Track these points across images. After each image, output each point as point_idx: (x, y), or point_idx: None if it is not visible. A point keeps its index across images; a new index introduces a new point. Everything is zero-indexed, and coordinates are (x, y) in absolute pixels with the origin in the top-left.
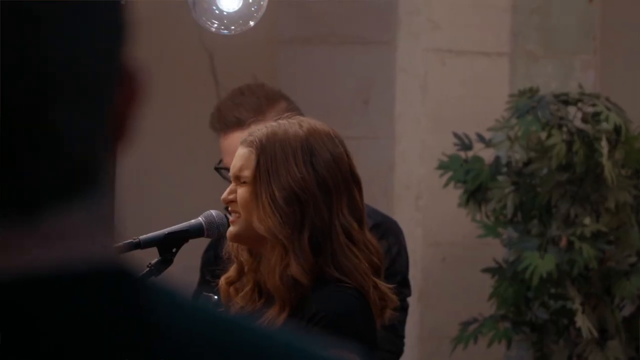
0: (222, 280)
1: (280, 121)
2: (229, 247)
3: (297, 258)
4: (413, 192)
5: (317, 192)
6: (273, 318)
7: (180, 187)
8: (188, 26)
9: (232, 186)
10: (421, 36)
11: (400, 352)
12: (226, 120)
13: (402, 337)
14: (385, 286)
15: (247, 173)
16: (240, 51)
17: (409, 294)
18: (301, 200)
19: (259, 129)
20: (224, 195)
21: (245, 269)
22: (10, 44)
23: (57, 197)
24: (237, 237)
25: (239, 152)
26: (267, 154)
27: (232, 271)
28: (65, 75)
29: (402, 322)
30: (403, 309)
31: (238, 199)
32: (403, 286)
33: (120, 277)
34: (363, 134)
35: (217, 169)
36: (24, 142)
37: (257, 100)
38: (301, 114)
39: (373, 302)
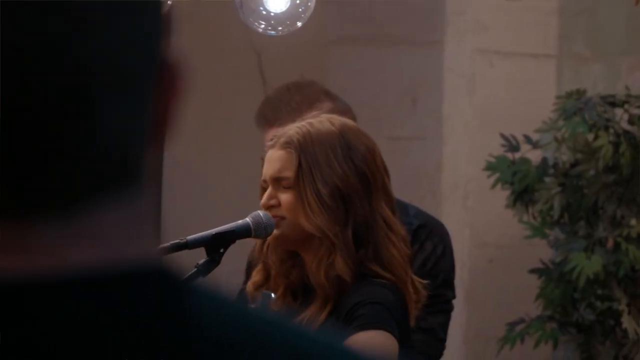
0: (250, 286)
1: (311, 120)
2: (256, 251)
3: (343, 254)
4: (460, 193)
5: (359, 186)
6: (314, 315)
7: (228, 187)
8: (236, 26)
9: (270, 191)
10: (468, 37)
11: (438, 355)
12: (266, 116)
13: (442, 340)
14: (417, 280)
15: (288, 174)
16: (289, 51)
17: (453, 297)
18: (344, 196)
19: (290, 130)
20: (264, 200)
21: (273, 272)
22: (53, 40)
23: (95, 195)
24: (283, 240)
25: (274, 155)
26: (307, 153)
27: (257, 275)
28: (105, 70)
29: (443, 324)
30: (444, 311)
31: (282, 202)
32: (446, 288)
33: (160, 278)
34: (411, 134)
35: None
36: (63, 138)
37: (302, 97)
38: (352, 114)
39: (409, 295)
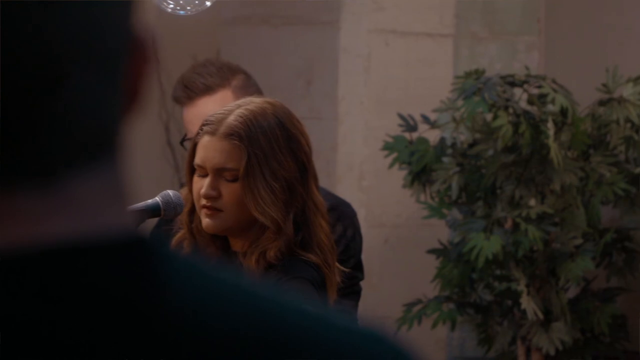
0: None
1: (248, 107)
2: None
3: (284, 241)
4: (356, 173)
5: (298, 174)
6: None
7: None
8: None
9: (211, 181)
10: (364, 17)
11: None
12: (193, 88)
13: (356, 320)
14: (338, 265)
15: (233, 167)
16: (182, 31)
17: (362, 278)
18: (289, 185)
19: (230, 118)
20: (205, 190)
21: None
22: (23, 18)
23: (71, 166)
24: (221, 230)
25: (216, 145)
26: (254, 146)
27: (181, 235)
28: (77, 44)
29: (355, 306)
30: (356, 292)
31: (226, 195)
32: (357, 270)
33: (136, 246)
34: (306, 115)
35: (182, 144)
36: (39, 112)
37: (220, 69)
38: (259, 88)
39: (332, 279)
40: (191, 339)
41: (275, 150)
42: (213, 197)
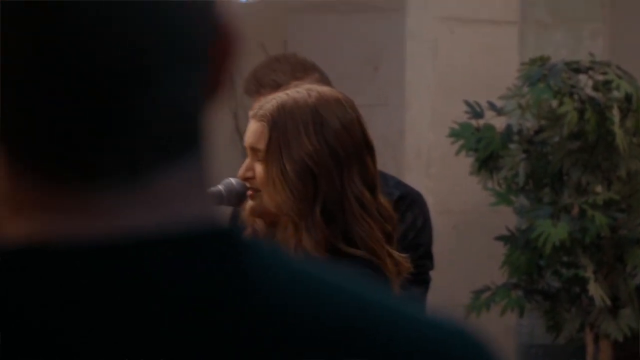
0: None
1: (289, 91)
2: (243, 217)
3: (310, 232)
4: (423, 160)
5: (329, 163)
6: None
7: None
8: None
9: (248, 162)
10: (430, 3)
11: None
12: (263, 83)
13: (424, 309)
14: (398, 255)
15: (260, 147)
16: (249, 19)
17: (432, 267)
18: (314, 173)
19: (269, 101)
20: (241, 172)
21: (260, 236)
22: (107, 15)
23: (158, 160)
24: (255, 213)
25: (251, 127)
26: (278, 127)
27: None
28: (162, 41)
29: (424, 294)
30: (425, 281)
31: (256, 175)
32: (426, 259)
33: (223, 239)
34: (373, 101)
35: None
36: (126, 108)
37: (293, 67)
38: (331, 85)
39: (389, 270)
40: (279, 331)
41: (300, 133)
42: (248, 177)
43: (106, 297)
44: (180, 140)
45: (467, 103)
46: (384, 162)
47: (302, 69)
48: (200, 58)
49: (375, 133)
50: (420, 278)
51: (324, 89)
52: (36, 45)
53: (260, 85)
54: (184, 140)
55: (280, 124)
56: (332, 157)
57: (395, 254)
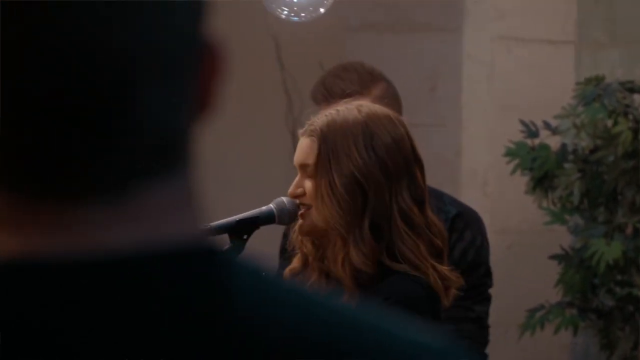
0: (287, 272)
1: (339, 108)
2: (293, 238)
3: (358, 246)
4: (480, 179)
5: (379, 177)
6: None
7: (249, 174)
8: (253, 11)
9: (298, 179)
10: (487, 23)
11: (485, 342)
12: (331, 91)
13: (488, 327)
14: (445, 269)
15: (310, 163)
16: (307, 37)
17: (492, 285)
18: (363, 186)
19: (318, 118)
20: (291, 189)
21: (310, 259)
22: (95, 27)
23: (143, 176)
24: (308, 230)
25: (301, 143)
26: (327, 142)
27: (296, 262)
28: (146, 55)
29: (487, 312)
30: (487, 299)
31: (306, 191)
32: (486, 277)
33: (204, 256)
34: (430, 121)
35: None
36: (108, 123)
37: (361, 76)
38: (397, 97)
39: (434, 284)
40: (247, 346)
41: (349, 147)
42: (298, 195)
43: (83, 313)
44: (165, 157)
45: (523, 122)
46: (440, 182)
47: (370, 78)
48: (187, 75)
49: (431, 153)
50: (483, 296)
51: (374, 106)
52: (15, 61)
53: (328, 93)
54: (170, 157)
55: (330, 138)
56: (382, 171)
57: (442, 268)
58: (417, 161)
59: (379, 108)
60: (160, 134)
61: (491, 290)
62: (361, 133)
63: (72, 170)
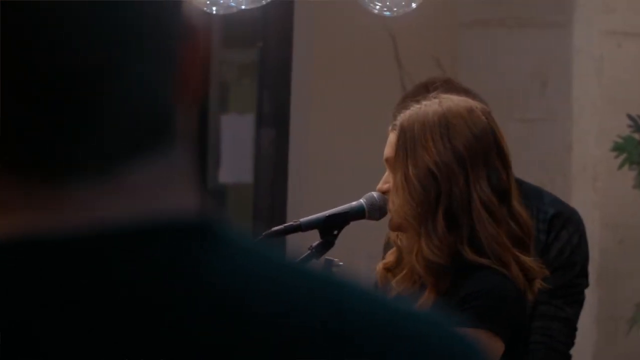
0: (380, 266)
1: (424, 102)
2: (389, 232)
3: (430, 237)
4: (590, 174)
5: (454, 166)
6: (424, 302)
7: (370, 173)
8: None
9: (386, 174)
10: (596, 18)
11: (572, 344)
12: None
13: (576, 329)
14: (528, 259)
15: (392, 156)
16: (422, 34)
17: (587, 285)
18: (436, 176)
19: (403, 112)
20: (379, 185)
21: (403, 254)
22: (79, 9)
23: (128, 154)
24: (395, 226)
25: (388, 140)
26: (405, 134)
27: (390, 256)
28: (130, 34)
29: (578, 314)
30: (579, 301)
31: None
32: (581, 277)
33: (192, 231)
34: (541, 116)
35: None
36: (94, 102)
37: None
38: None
39: (515, 276)
40: (227, 331)
41: (426, 138)
42: (385, 190)
43: (67, 290)
44: (150, 135)
45: (630, 117)
46: (552, 177)
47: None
48: (169, 56)
49: (542, 147)
50: (575, 298)
51: (457, 98)
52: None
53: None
54: (155, 135)
55: (408, 131)
56: (458, 162)
57: (524, 258)
58: (501, 155)
59: (462, 101)
60: (144, 112)
61: (600, 285)
62: (438, 125)
63: (59, 149)
